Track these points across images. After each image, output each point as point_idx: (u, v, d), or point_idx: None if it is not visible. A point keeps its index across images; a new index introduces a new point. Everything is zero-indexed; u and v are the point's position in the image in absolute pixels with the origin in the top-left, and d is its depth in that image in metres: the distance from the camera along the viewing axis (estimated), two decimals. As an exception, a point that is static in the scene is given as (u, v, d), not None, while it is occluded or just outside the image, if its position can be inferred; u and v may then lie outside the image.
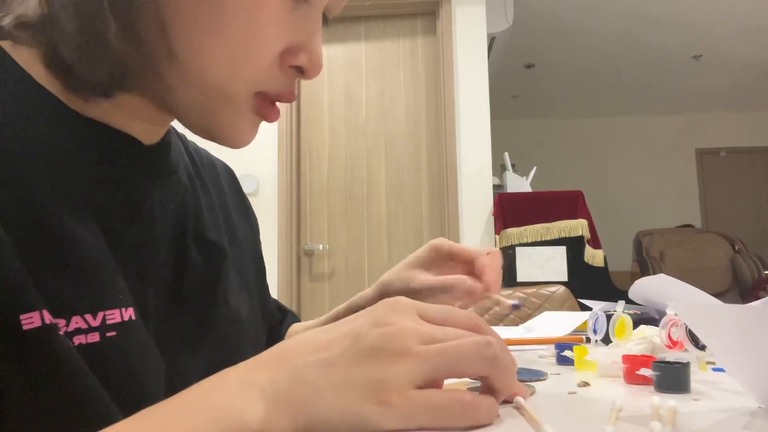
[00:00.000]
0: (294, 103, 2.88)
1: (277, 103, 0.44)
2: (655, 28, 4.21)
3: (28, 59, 0.38)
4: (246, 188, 2.79)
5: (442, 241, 0.60)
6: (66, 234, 0.35)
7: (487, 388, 0.33)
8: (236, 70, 0.39)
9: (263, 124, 0.44)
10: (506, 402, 0.35)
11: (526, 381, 0.48)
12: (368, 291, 0.64)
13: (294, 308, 2.76)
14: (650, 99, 5.77)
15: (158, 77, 0.39)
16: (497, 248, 0.59)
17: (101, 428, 0.29)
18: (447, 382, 0.35)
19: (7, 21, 0.38)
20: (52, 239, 0.34)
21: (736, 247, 4.76)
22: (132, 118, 0.42)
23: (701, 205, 6.08)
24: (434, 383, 0.31)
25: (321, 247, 2.82)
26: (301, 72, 0.42)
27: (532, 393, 0.43)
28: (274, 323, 0.67)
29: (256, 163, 2.79)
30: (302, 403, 0.30)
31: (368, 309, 0.35)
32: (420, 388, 0.31)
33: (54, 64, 0.38)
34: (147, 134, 0.44)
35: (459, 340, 0.32)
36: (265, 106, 0.42)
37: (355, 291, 0.65)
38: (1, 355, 0.30)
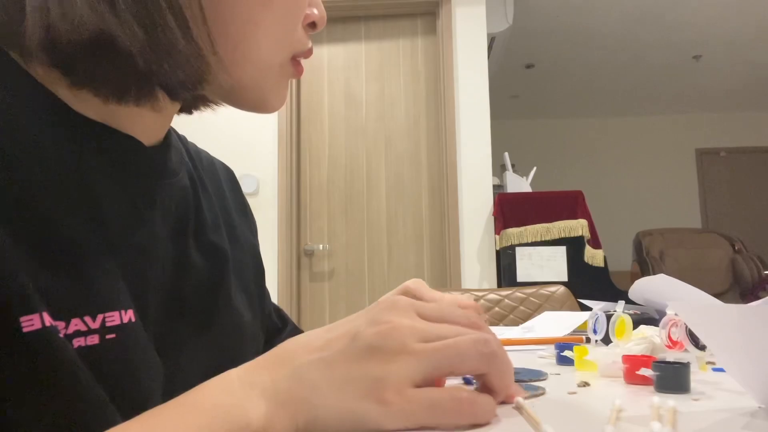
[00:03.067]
0: (294, 103, 2.88)
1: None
2: (655, 28, 4.21)
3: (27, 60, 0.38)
4: (246, 188, 2.80)
5: (417, 288, 0.53)
6: (66, 236, 0.35)
7: (484, 386, 0.33)
8: (283, 39, 0.43)
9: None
10: (506, 402, 0.35)
11: (526, 381, 0.48)
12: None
13: (294, 308, 2.76)
14: (650, 99, 5.77)
15: (226, 69, 0.41)
16: (475, 303, 0.51)
17: (101, 431, 0.29)
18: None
19: (34, 40, 0.35)
20: (51, 241, 0.34)
21: (736, 247, 4.76)
22: (134, 117, 0.42)
23: (701, 205, 6.08)
24: (433, 381, 0.31)
25: (321, 247, 2.81)
26: (313, 27, 0.47)
27: (542, 394, 0.43)
28: (272, 331, 0.65)
29: (256, 163, 2.79)
30: (302, 402, 0.30)
31: (367, 308, 0.35)
32: (419, 386, 0.31)
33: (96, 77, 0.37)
34: (148, 134, 0.44)
35: (457, 338, 0.32)
36: (296, 65, 0.47)
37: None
38: (1, 357, 0.30)
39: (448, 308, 0.36)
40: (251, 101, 0.46)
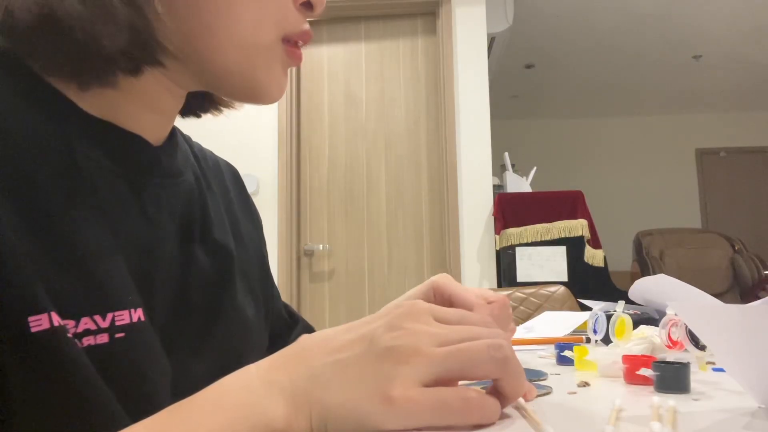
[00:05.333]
0: (294, 103, 2.88)
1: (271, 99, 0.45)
2: (656, 28, 4.21)
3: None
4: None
5: (445, 283, 0.53)
6: (75, 235, 0.35)
7: (495, 390, 0.33)
8: (262, 16, 0.41)
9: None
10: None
11: (534, 381, 0.48)
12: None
13: (294, 308, 2.76)
14: (650, 99, 5.77)
15: (189, 47, 0.40)
16: (503, 296, 0.51)
17: (106, 430, 0.29)
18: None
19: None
20: (61, 240, 0.34)
21: (736, 247, 4.76)
22: (142, 109, 0.42)
23: (701, 205, 6.08)
24: (445, 384, 0.31)
25: (321, 247, 2.81)
26: (309, 8, 0.44)
27: (548, 393, 0.43)
28: (282, 327, 0.65)
29: (256, 163, 2.79)
30: (316, 402, 0.31)
31: (385, 311, 0.35)
32: (428, 387, 0.31)
33: (63, 55, 0.36)
34: (155, 130, 0.44)
35: (470, 342, 0.32)
36: (291, 50, 0.44)
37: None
38: (9, 357, 0.30)
39: (465, 313, 0.36)
40: (242, 90, 0.44)
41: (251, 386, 0.31)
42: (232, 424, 0.29)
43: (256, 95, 0.44)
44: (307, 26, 0.44)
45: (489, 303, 0.51)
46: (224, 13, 0.39)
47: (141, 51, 0.38)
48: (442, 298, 0.54)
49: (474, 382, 0.42)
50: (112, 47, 0.36)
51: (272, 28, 0.42)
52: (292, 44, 0.44)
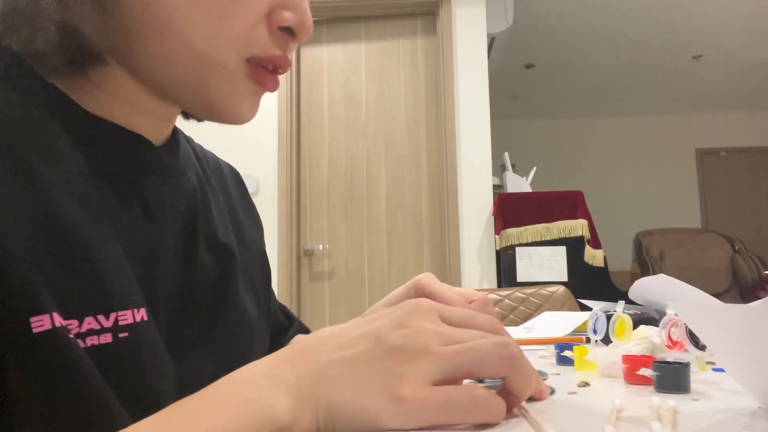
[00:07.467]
0: (294, 103, 2.88)
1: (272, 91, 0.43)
2: (655, 28, 4.21)
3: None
4: (246, 188, 2.79)
5: (428, 282, 0.51)
6: (79, 234, 0.35)
7: (504, 389, 0.33)
8: (220, 31, 0.38)
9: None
10: (535, 399, 0.37)
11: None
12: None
13: (294, 308, 2.76)
14: (650, 99, 5.77)
15: (138, 48, 0.38)
16: (485, 295, 0.50)
17: (109, 430, 0.29)
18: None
19: None
20: (65, 240, 0.34)
21: (736, 247, 4.76)
22: (137, 113, 0.42)
23: (701, 205, 6.08)
24: (453, 383, 0.31)
25: (321, 247, 2.81)
26: (291, 34, 0.41)
27: (552, 393, 0.43)
28: (279, 329, 0.66)
29: (256, 163, 2.79)
30: (323, 399, 0.31)
31: (391, 309, 0.35)
32: (437, 385, 0.31)
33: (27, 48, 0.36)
34: (155, 131, 0.44)
35: (478, 341, 0.32)
36: (261, 73, 0.41)
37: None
38: (11, 358, 0.30)
39: (471, 313, 0.36)
40: (199, 104, 0.41)
41: (257, 382, 0.31)
42: (237, 420, 0.29)
43: (213, 113, 0.41)
44: (281, 52, 0.40)
45: (470, 303, 0.49)
46: (174, 22, 0.37)
47: (71, 48, 0.37)
48: (423, 296, 0.52)
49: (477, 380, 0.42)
50: (44, 45, 0.36)
51: (230, 45, 0.38)
52: (264, 67, 0.41)
